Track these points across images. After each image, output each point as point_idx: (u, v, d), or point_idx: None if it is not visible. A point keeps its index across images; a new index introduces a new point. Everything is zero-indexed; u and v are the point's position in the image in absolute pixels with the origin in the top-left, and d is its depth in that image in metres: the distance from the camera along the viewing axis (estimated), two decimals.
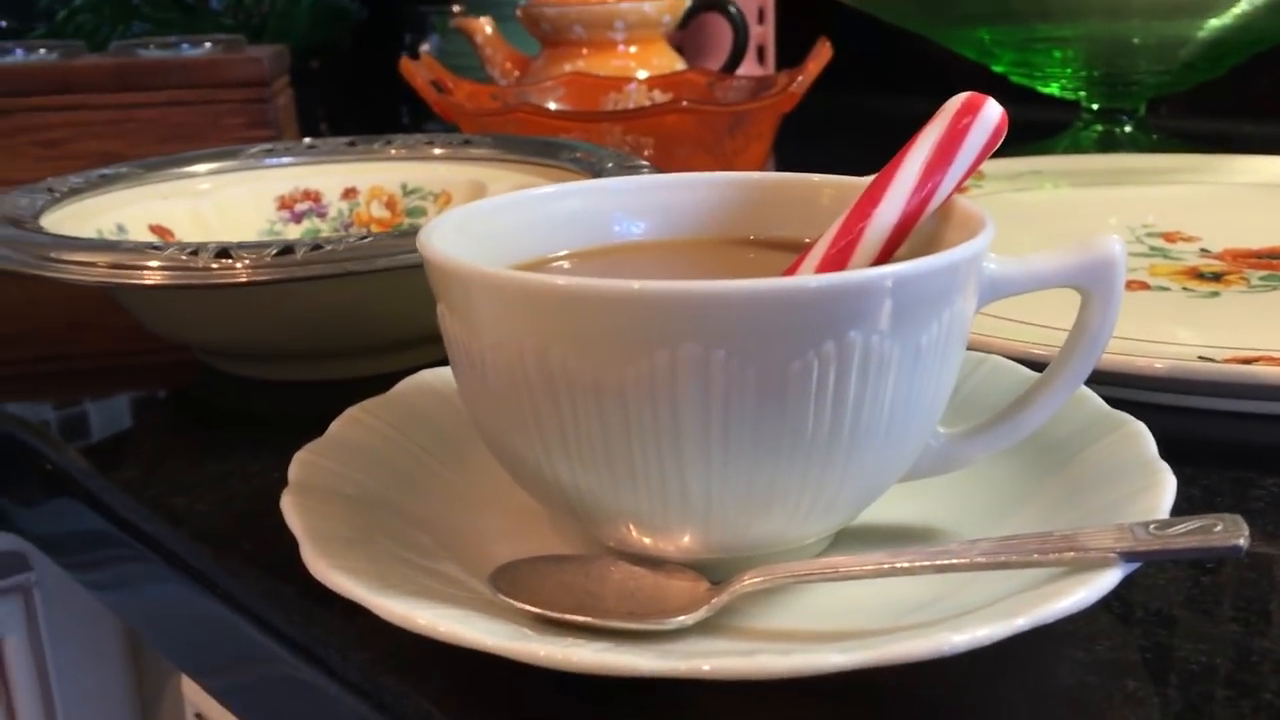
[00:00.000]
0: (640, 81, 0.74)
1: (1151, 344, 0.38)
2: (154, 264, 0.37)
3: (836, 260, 0.28)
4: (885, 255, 0.28)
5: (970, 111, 0.28)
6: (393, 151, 0.56)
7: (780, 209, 0.33)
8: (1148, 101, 0.77)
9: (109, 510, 0.37)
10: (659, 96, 0.72)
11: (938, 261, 0.24)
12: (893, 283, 0.24)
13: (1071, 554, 0.24)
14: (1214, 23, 0.67)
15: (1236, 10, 0.66)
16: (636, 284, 0.23)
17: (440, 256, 0.26)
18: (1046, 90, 0.77)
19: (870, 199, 0.29)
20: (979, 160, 0.29)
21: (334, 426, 0.32)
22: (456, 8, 1.09)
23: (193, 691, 0.46)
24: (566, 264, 0.31)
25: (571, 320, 0.24)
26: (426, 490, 0.31)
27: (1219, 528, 0.23)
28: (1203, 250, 0.51)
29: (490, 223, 0.31)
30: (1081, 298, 0.28)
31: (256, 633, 0.30)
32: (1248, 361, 0.36)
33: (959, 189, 0.29)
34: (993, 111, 0.28)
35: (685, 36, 0.94)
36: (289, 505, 0.27)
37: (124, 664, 0.51)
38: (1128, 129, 0.76)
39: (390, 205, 0.55)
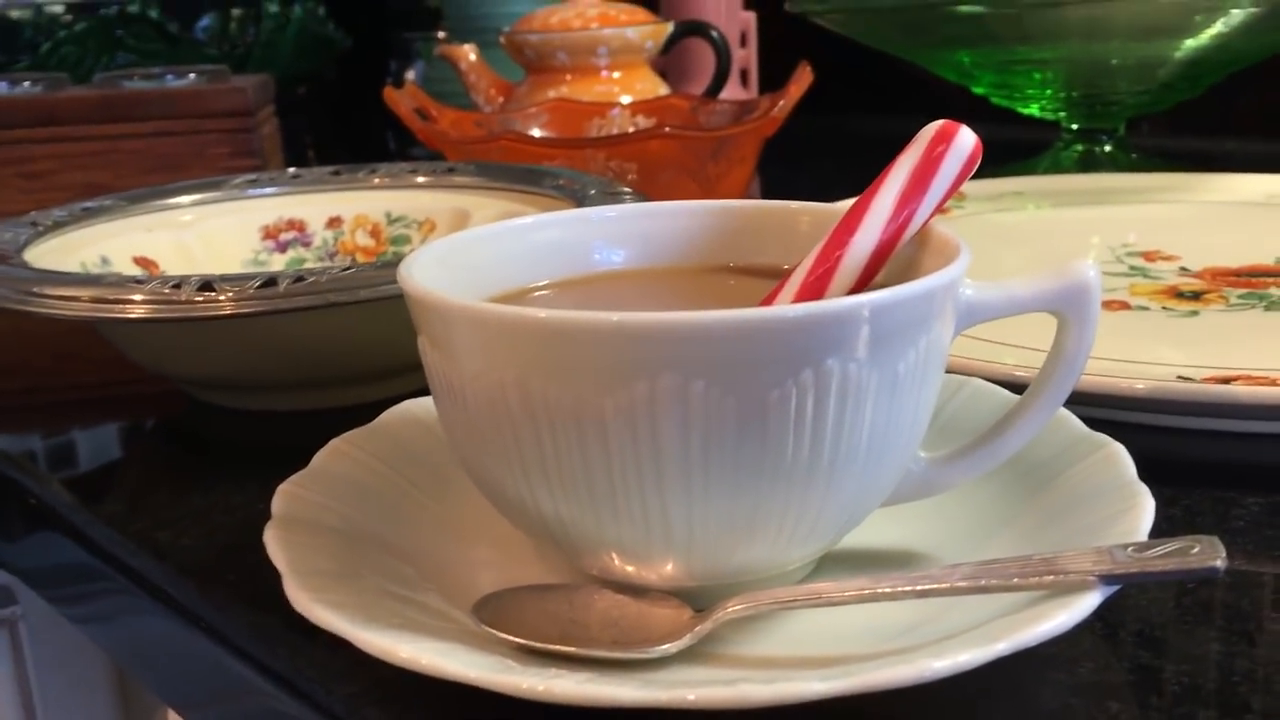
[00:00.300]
0: (624, 107, 0.75)
1: (1131, 364, 0.38)
2: (137, 297, 0.37)
3: (814, 288, 0.29)
4: (863, 282, 0.29)
5: (944, 139, 0.29)
6: (377, 180, 0.56)
7: (759, 236, 0.33)
8: (1127, 121, 0.78)
9: (93, 544, 0.37)
10: (642, 121, 0.73)
11: (914, 289, 0.25)
12: (869, 311, 0.24)
13: (1051, 578, 0.24)
14: (1191, 43, 0.68)
15: (1213, 31, 0.67)
16: (615, 316, 0.23)
17: (420, 290, 0.26)
18: (1027, 111, 0.78)
19: (847, 227, 0.29)
20: (954, 187, 0.29)
21: (318, 458, 0.32)
22: (441, 35, 1.10)
23: None
24: (547, 294, 0.32)
25: (551, 352, 0.24)
26: (410, 521, 0.31)
27: (1196, 550, 0.24)
28: (1182, 269, 0.51)
29: (471, 254, 0.31)
30: (1058, 322, 0.28)
31: (241, 666, 0.30)
32: (1226, 381, 0.36)
33: (935, 214, 0.29)
34: (966, 139, 0.29)
35: (668, 61, 0.95)
36: (272, 538, 0.27)
37: (112, 698, 0.51)
38: (1108, 148, 0.76)
39: (375, 234, 0.55)
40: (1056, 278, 0.27)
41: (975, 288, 0.27)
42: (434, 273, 0.28)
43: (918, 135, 0.29)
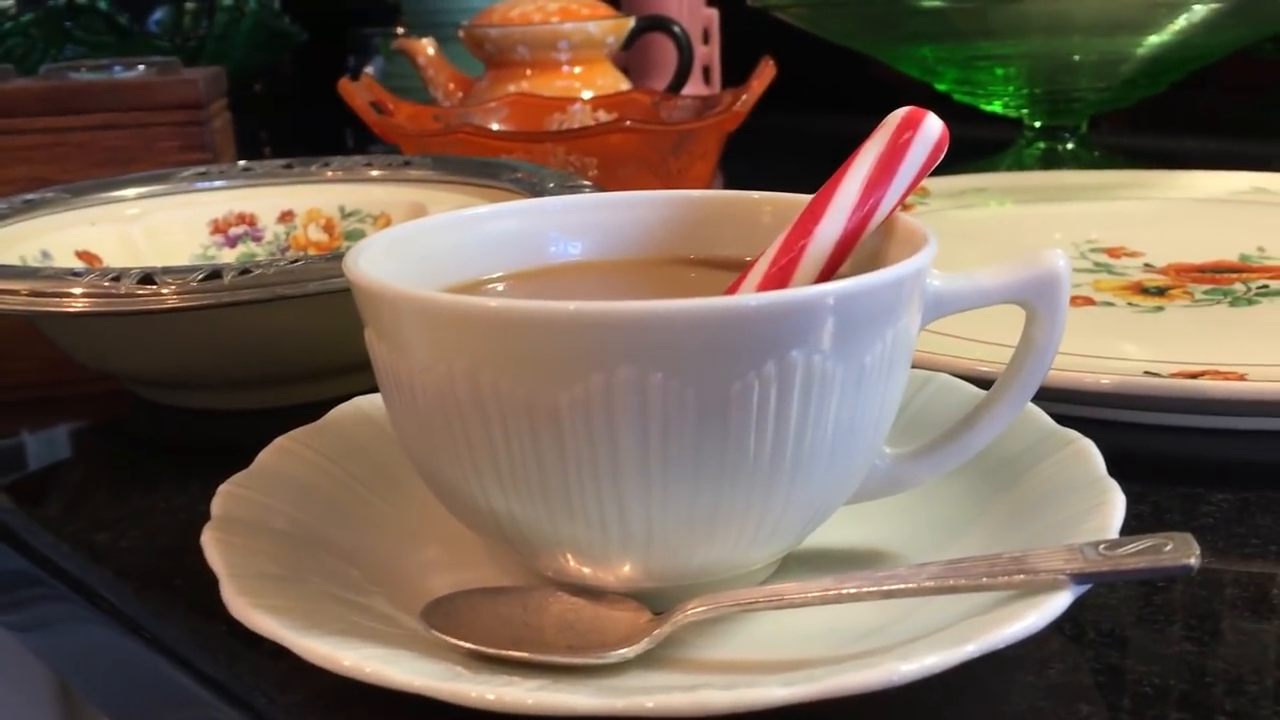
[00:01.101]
0: (585, 102, 0.74)
1: (1097, 359, 0.38)
2: (76, 291, 0.36)
3: (778, 279, 0.28)
4: (827, 273, 0.28)
5: (911, 126, 0.28)
6: (330, 174, 0.55)
7: (720, 227, 0.32)
8: (1089, 119, 0.78)
9: (29, 549, 0.36)
10: (603, 116, 0.72)
11: (880, 278, 0.24)
12: (834, 300, 0.23)
13: (1021, 576, 0.23)
14: (1153, 39, 0.68)
15: (1175, 28, 0.66)
16: (571, 305, 0.22)
17: (365, 279, 0.25)
18: (989, 108, 0.78)
19: (811, 216, 0.28)
20: (921, 175, 0.28)
21: (261, 457, 0.30)
22: (400, 30, 1.08)
23: None
24: (501, 286, 0.31)
25: (503, 343, 0.23)
26: (358, 522, 0.30)
27: (1169, 547, 0.23)
28: (1146, 265, 0.51)
29: (421, 245, 0.30)
30: (1027, 313, 0.27)
31: (179, 674, 0.29)
32: (1194, 376, 0.36)
33: (901, 205, 0.28)
34: (934, 126, 0.28)
35: (630, 57, 0.94)
36: (209, 541, 0.26)
37: (55, 708, 0.49)
38: (1070, 146, 0.76)
39: (328, 228, 0.54)
40: (1025, 267, 0.27)
41: (942, 278, 0.27)
42: (381, 263, 0.27)
43: (883, 122, 0.28)
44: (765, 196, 0.32)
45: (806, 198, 0.29)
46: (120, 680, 0.34)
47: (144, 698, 0.32)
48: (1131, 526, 0.26)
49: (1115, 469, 0.28)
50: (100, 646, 0.33)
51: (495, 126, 0.70)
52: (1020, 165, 0.75)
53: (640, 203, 0.33)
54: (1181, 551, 0.23)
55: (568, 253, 0.32)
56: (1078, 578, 0.23)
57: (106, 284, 0.35)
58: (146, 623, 0.30)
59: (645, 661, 0.24)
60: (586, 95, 0.77)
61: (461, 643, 0.24)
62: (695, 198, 0.33)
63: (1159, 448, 0.36)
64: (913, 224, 0.28)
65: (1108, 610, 0.27)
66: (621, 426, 0.23)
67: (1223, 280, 0.48)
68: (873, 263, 0.28)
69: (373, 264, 0.26)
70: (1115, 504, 0.26)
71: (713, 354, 0.22)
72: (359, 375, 0.38)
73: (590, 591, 0.26)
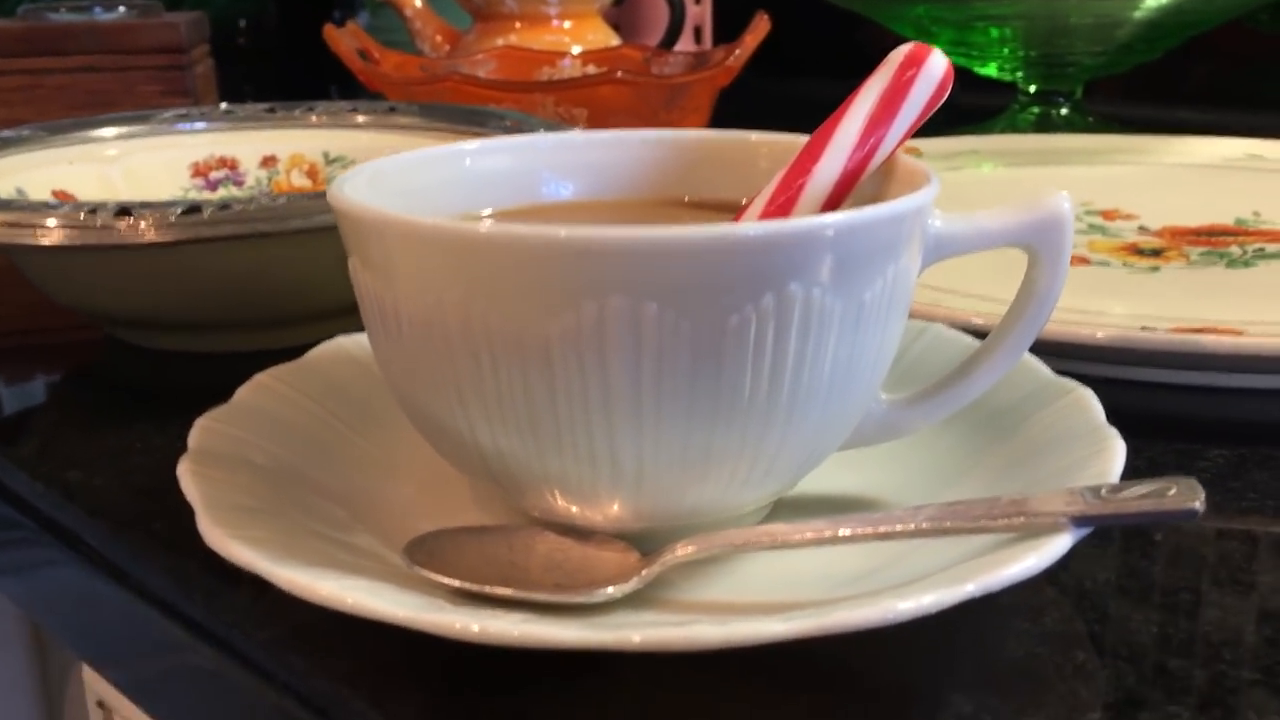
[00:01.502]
0: (574, 56, 0.72)
1: (1092, 315, 0.37)
2: (51, 223, 0.35)
3: (775, 217, 0.27)
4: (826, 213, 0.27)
5: (915, 63, 0.27)
6: (314, 119, 0.53)
7: (716, 168, 0.31)
8: (1084, 84, 0.77)
9: (2, 488, 0.35)
10: (593, 71, 0.70)
11: (882, 212, 0.23)
12: (835, 232, 0.22)
13: (1021, 519, 0.23)
14: (1150, 3, 0.67)
15: None
16: (563, 230, 0.21)
17: (352, 204, 0.24)
18: (984, 71, 0.77)
19: (810, 155, 0.27)
20: (924, 115, 0.27)
21: (240, 393, 0.30)
22: None
23: (94, 679, 0.43)
24: (490, 221, 0.30)
25: (493, 270, 0.22)
26: (341, 460, 0.29)
27: (1173, 491, 0.22)
28: (1141, 228, 0.50)
29: (406, 178, 0.29)
30: (1029, 257, 0.27)
31: (153, 613, 0.28)
32: (1191, 333, 0.35)
33: (903, 145, 0.28)
34: (938, 63, 0.27)
35: (621, 14, 0.93)
36: (186, 472, 0.25)
37: (26, 650, 0.49)
38: (1064, 111, 0.76)
39: (311, 174, 0.53)
40: (1028, 210, 0.26)
41: (944, 219, 0.26)
42: (366, 195, 0.26)
43: (886, 59, 0.28)
44: (763, 137, 0.31)
45: (805, 139, 0.28)
46: (93, 622, 0.33)
47: (118, 639, 0.32)
48: (1129, 480, 0.26)
49: (1110, 425, 0.27)
50: (74, 587, 0.33)
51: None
52: (1014, 130, 0.74)
53: (635, 142, 0.32)
54: (1186, 496, 0.22)
55: (559, 193, 0.32)
56: (1078, 520, 0.22)
57: (83, 216, 0.34)
58: (120, 561, 0.29)
59: (633, 602, 0.24)
60: (576, 50, 0.75)
61: (446, 579, 0.23)
62: (691, 138, 0.32)
63: (1155, 405, 0.36)
64: (915, 164, 0.27)
65: (1103, 561, 0.27)
66: (613, 359, 0.22)
67: (1218, 243, 0.48)
68: (873, 204, 0.27)
69: (357, 194, 0.25)
70: (1116, 450, 0.25)
71: (709, 285, 0.22)
72: (342, 320, 0.37)
73: (578, 532, 0.25)
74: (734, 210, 0.29)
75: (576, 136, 0.32)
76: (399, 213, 0.23)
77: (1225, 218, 0.51)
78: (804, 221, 0.22)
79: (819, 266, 0.22)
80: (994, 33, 0.71)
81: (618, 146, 0.32)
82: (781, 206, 0.27)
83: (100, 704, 0.43)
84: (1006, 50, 0.72)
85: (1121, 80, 0.81)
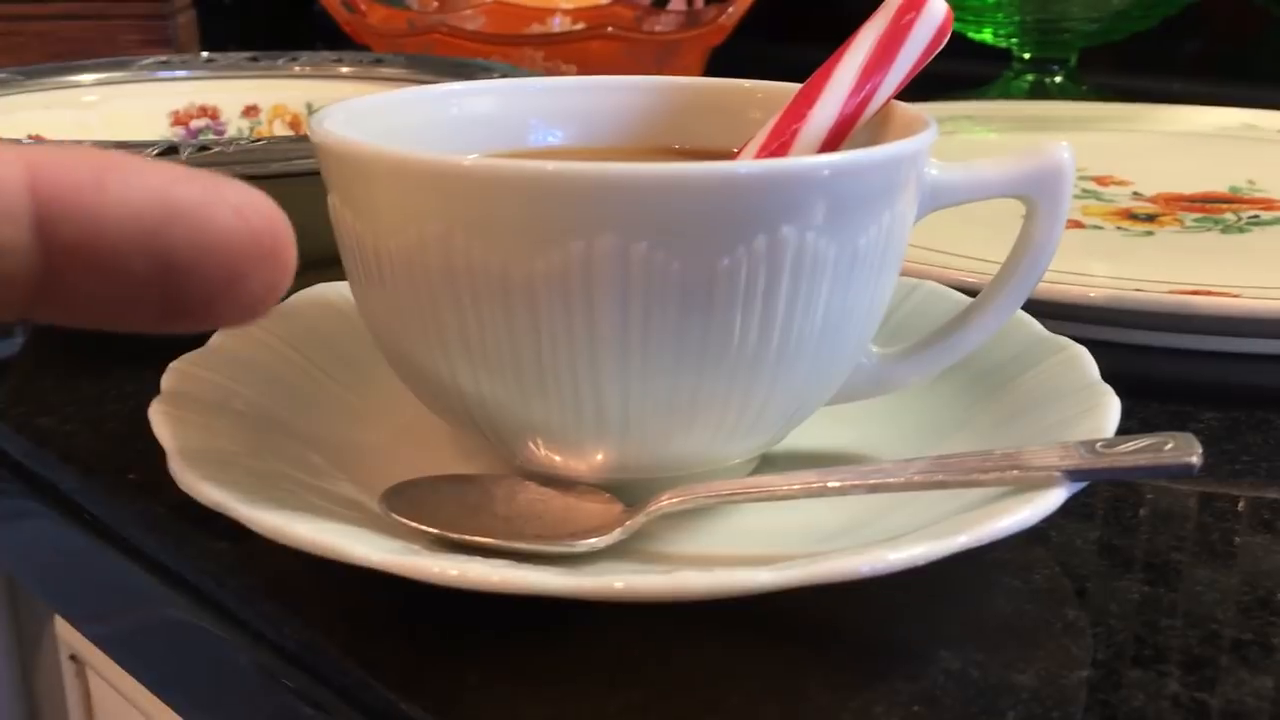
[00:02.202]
0: (565, 13, 0.71)
1: (1086, 277, 0.37)
2: None
3: None
4: None
5: (914, 7, 0.26)
6: (297, 69, 0.52)
7: (708, 116, 0.31)
8: (1079, 52, 0.76)
9: None
10: (584, 28, 0.69)
11: (878, 154, 0.23)
12: (830, 173, 0.22)
13: (1015, 472, 0.22)
14: None
15: None
16: (551, 165, 0.21)
17: (332, 137, 0.23)
18: (979, 37, 0.76)
19: (805, 100, 0.27)
20: (923, 60, 0.27)
21: (216, 338, 0.29)
22: None
23: (67, 632, 0.43)
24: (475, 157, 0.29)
25: (477, 205, 0.21)
26: (319, 407, 0.28)
27: (1170, 445, 0.22)
28: (1135, 194, 0.50)
29: (390, 117, 0.28)
30: (1027, 209, 0.26)
31: (125, 561, 0.27)
32: (1186, 294, 0.35)
33: (899, 91, 0.27)
34: (938, 7, 0.26)
35: None
36: (157, 414, 0.24)
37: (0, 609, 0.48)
38: (1058, 80, 0.75)
39: (294, 125, 0.52)
40: (1028, 158, 0.25)
41: (941, 167, 0.25)
42: (346, 133, 0.25)
43: (884, 3, 0.27)
44: (757, 85, 0.30)
45: (799, 86, 0.27)
46: (66, 573, 0.32)
47: (90, 588, 0.31)
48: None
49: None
50: (45, 536, 0.32)
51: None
52: (1007, 96, 0.73)
53: (626, 87, 0.31)
54: (1183, 450, 0.22)
55: (547, 139, 0.31)
56: (1073, 474, 0.22)
57: None
58: (93, 509, 0.29)
59: (617, 553, 0.23)
60: (567, 7, 0.74)
61: (424, 527, 0.23)
62: (683, 84, 0.31)
63: (1147, 368, 0.35)
64: (911, 111, 0.27)
65: (1095, 520, 0.27)
66: (600, 300, 0.21)
67: (1213, 210, 0.47)
68: None
69: (337, 130, 0.25)
70: (1110, 406, 0.25)
71: (701, 224, 0.21)
72: (326, 270, 0.36)
73: (561, 482, 0.25)
74: (727, 158, 0.28)
75: (566, 81, 0.31)
76: (381, 145, 0.23)
77: (1220, 185, 0.51)
78: (799, 161, 0.22)
79: (813, 209, 0.22)
80: None
81: (607, 92, 0.31)
82: (775, 152, 0.27)
83: (73, 657, 0.43)
84: (1001, 15, 0.72)
85: (1115, 51, 0.80)
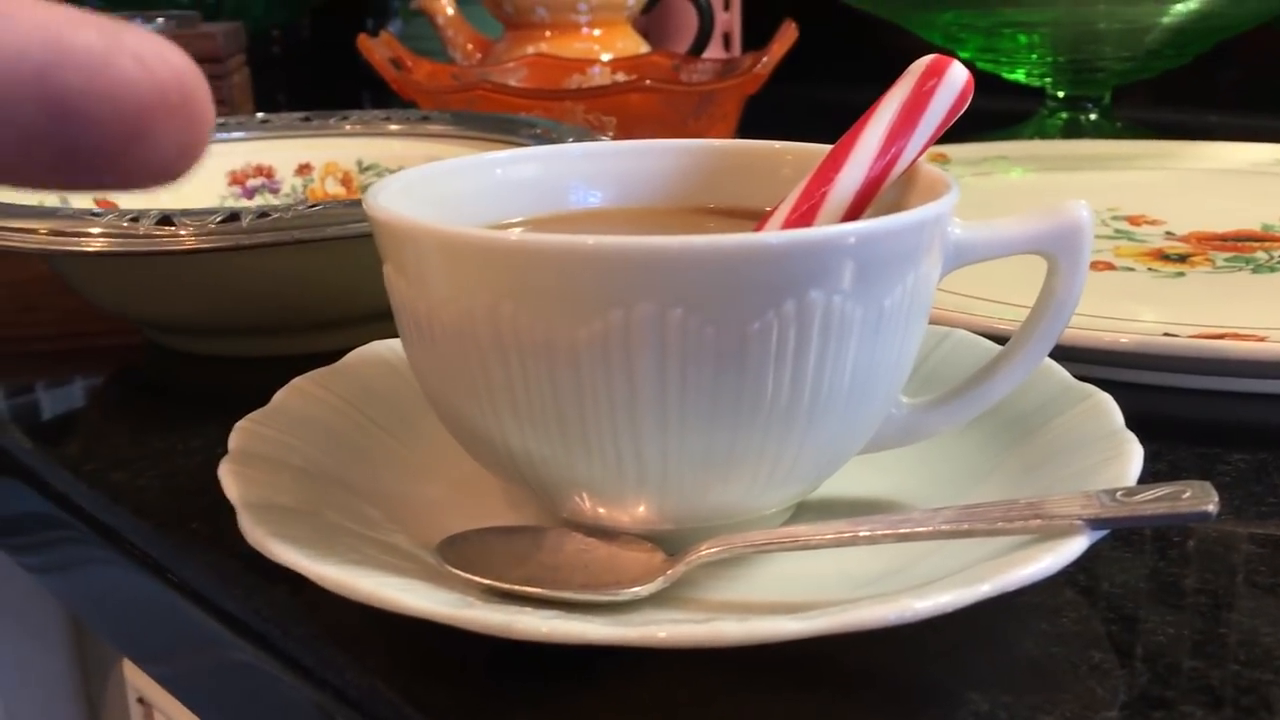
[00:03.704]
0: (604, 64, 0.73)
1: (1116, 321, 0.37)
2: (95, 231, 0.36)
3: (798, 225, 0.28)
4: (848, 220, 0.28)
5: (935, 74, 0.28)
6: (348, 127, 0.55)
7: (741, 177, 0.32)
8: (1113, 90, 0.77)
9: (48, 487, 0.36)
10: (623, 79, 0.71)
11: (902, 220, 0.24)
12: (856, 240, 0.23)
13: (1037, 521, 0.23)
14: (1179, 8, 0.67)
15: None
16: (590, 239, 0.22)
17: (386, 213, 0.25)
18: (1012, 77, 0.77)
19: (833, 164, 0.28)
20: (945, 124, 0.28)
21: (278, 396, 0.30)
22: None
23: (134, 675, 0.45)
24: (519, 231, 0.30)
25: (522, 278, 0.23)
26: (375, 462, 0.30)
27: (1188, 494, 0.23)
28: (1168, 233, 0.51)
29: (439, 187, 0.30)
30: (1048, 265, 0.27)
31: (194, 609, 0.29)
32: (1214, 338, 0.36)
33: (924, 154, 0.28)
34: (959, 74, 0.28)
35: (650, 21, 0.94)
36: (226, 473, 0.26)
37: (67, 648, 0.50)
38: (1093, 117, 0.76)
39: (345, 182, 0.54)
40: (1048, 217, 0.26)
41: (964, 227, 0.27)
42: (400, 204, 0.27)
43: (907, 70, 0.28)
44: (786, 146, 0.32)
45: (828, 148, 0.29)
46: (135, 618, 0.34)
47: (159, 634, 0.33)
48: (1147, 482, 0.26)
49: (1131, 429, 0.28)
50: (117, 584, 0.34)
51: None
52: (1042, 135, 0.74)
53: (661, 151, 0.32)
54: (1200, 498, 0.23)
55: (587, 201, 0.32)
56: (1094, 523, 0.23)
57: (125, 224, 0.36)
58: (162, 558, 0.30)
59: (658, 601, 0.24)
60: (606, 58, 0.76)
61: (476, 578, 0.24)
62: (716, 147, 0.32)
63: (1176, 410, 0.36)
64: (935, 173, 0.28)
65: (1122, 564, 0.27)
66: (639, 364, 0.23)
67: (1244, 249, 0.48)
68: (894, 212, 0.28)
69: (391, 203, 0.26)
70: (1133, 455, 0.26)
71: (733, 291, 0.22)
72: (377, 324, 0.38)
73: (605, 532, 0.26)
74: (757, 218, 0.30)
75: (604, 146, 0.33)
76: (431, 222, 0.24)
77: (1253, 223, 0.51)
78: (825, 230, 0.23)
79: (840, 274, 0.23)
80: (1022, 39, 0.71)
81: (644, 156, 0.32)
82: (804, 215, 0.28)
83: (140, 700, 0.45)
84: (1035, 56, 0.73)
85: (1150, 85, 0.81)
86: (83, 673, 0.50)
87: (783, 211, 0.28)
